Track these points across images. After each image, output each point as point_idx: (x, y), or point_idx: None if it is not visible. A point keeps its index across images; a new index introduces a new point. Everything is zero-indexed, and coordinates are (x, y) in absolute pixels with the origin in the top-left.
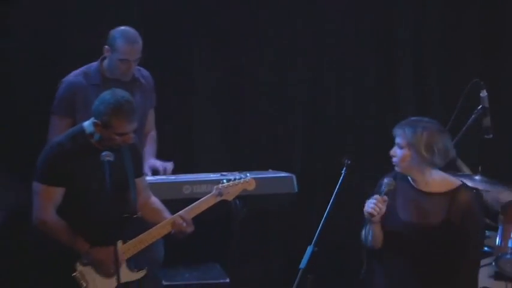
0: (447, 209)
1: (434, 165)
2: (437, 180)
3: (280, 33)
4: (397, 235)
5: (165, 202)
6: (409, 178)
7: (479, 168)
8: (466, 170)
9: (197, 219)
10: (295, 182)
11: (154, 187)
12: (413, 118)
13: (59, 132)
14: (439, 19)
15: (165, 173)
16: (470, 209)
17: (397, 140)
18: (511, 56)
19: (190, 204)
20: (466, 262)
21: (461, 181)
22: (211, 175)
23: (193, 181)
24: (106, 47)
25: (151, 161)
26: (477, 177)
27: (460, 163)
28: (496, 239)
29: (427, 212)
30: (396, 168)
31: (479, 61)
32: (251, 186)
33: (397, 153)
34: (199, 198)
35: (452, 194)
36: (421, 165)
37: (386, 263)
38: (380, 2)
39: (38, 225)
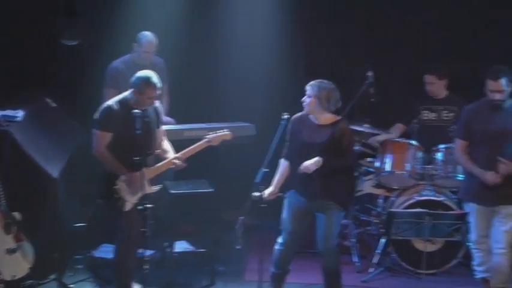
0: (331, 132)
1: (328, 110)
2: (328, 118)
3: None
4: (302, 150)
5: (173, 141)
6: (312, 116)
7: (367, 119)
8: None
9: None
10: (254, 129)
11: (168, 132)
12: (319, 80)
13: (108, 98)
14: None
15: (168, 124)
16: (346, 131)
17: (308, 92)
18: (392, 49)
19: (188, 142)
20: (345, 163)
21: (340, 117)
22: (202, 124)
23: (190, 128)
24: (135, 44)
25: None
26: (366, 125)
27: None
28: (376, 163)
29: (320, 135)
30: (305, 109)
31: (371, 53)
32: (228, 137)
33: (306, 100)
34: (194, 139)
35: (335, 124)
36: (321, 109)
37: (295, 167)
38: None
39: (96, 155)
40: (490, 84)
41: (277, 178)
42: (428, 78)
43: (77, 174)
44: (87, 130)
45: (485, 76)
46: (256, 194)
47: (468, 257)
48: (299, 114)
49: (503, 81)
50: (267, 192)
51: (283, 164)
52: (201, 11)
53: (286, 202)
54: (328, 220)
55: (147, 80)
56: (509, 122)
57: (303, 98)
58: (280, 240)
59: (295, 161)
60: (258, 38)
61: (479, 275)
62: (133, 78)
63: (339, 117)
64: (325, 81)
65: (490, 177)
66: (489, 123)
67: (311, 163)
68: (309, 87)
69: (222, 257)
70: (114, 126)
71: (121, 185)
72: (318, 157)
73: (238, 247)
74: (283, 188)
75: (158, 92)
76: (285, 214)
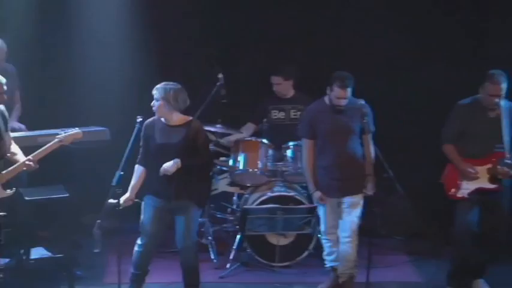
0: (185, 132)
1: (177, 110)
2: (179, 118)
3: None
4: (156, 152)
5: (27, 148)
6: (163, 119)
7: (219, 120)
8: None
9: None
10: (108, 133)
11: (20, 139)
12: (164, 82)
13: None
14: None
15: (20, 131)
16: (200, 130)
17: (155, 96)
18: (242, 50)
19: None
20: (201, 161)
21: (192, 117)
22: (56, 130)
23: (43, 134)
24: None
25: (13, 123)
26: (218, 125)
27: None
28: (230, 162)
29: (174, 136)
30: (156, 114)
31: (222, 55)
32: (79, 136)
33: (155, 104)
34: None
35: (188, 124)
36: (170, 110)
37: (151, 170)
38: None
39: None
40: (338, 91)
41: (133, 184)
42: (275, 79)
43: None
44: None
45: (332, 80)
46: (113, 201)
47: (319, 248)
48: (151, 119)
49: (349, 90)
50: (123, 198)
51: (138, 170)
52: (52, 14)
53: (144, 205)
54: (185, 219)
55: None
56: (350, 119)
57: (152, 103)
58: (139, 241)
59: (151, 165)
60: (111, 41)
61: (329, 264)
62: None
63: (190, 118)
64: (171, 82)
65: (317, 196)
66: (331, 122)
67: (171, 165)
68: (156, 91)
69: (80, 261)
70: None
71: None
72: (176, 159)
73: (96, 250)
74: (140, 193)
75: (4, 88)
76: (143, 216)
